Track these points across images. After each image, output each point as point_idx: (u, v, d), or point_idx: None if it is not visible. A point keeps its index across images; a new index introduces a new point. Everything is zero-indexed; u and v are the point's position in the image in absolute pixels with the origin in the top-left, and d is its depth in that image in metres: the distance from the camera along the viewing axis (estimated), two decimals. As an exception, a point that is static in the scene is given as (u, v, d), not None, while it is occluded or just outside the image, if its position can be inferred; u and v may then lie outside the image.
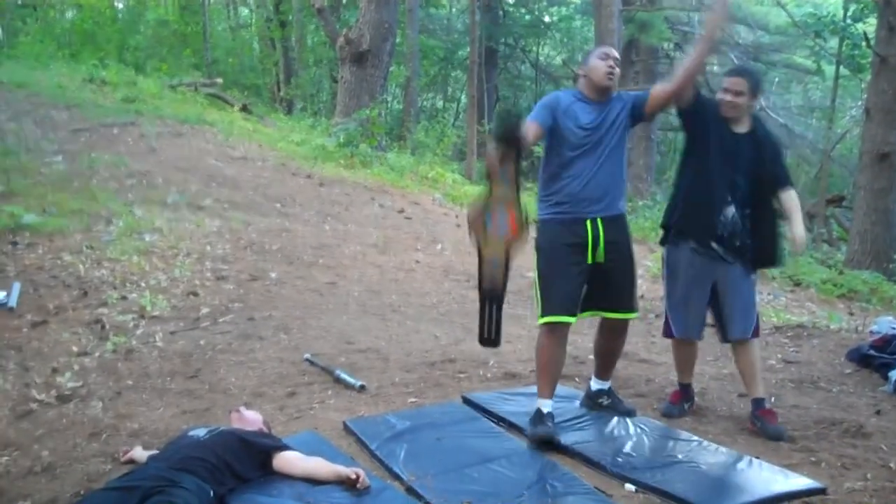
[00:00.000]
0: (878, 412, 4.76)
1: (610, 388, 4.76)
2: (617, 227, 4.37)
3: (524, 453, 4.03)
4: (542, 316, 4.35)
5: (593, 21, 18.99)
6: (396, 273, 8.05)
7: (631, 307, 4.51)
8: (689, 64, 4.41)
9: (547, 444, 4.13)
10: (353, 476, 3.47)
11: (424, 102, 29.74)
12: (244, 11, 31.42)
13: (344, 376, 4.93)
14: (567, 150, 4.28)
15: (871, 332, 6.30)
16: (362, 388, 4.84)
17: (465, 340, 6.03)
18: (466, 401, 4.70)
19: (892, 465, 3.96)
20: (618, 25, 17.15)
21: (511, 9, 27.02)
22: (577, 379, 5.24)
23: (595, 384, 4.76)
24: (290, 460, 3.57)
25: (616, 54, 4.41)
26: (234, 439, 3.57)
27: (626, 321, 4.57)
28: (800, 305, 9.08)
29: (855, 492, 3.66)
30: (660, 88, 4.48)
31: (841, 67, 21.27)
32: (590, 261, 4.30)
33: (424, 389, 4.91)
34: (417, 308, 6.91)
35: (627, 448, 4.10)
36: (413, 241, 9.45)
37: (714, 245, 4.49)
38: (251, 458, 3.54)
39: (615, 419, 4.50)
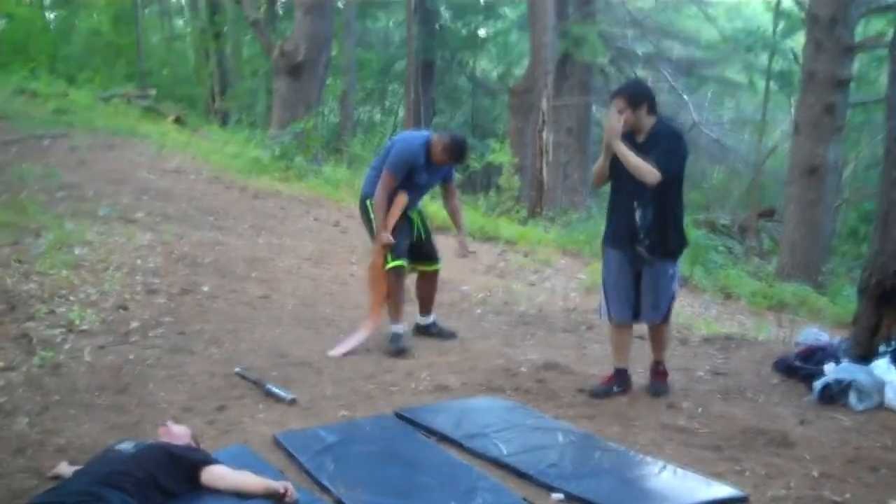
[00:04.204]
0: (802, 422, 4.87)
1: (434, 321, 6.62)
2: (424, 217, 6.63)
3: (455, 465, 4.07)
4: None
5: (528, 35, 19.16)
6: (331, 286, 8.03)
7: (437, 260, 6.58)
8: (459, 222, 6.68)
9: (404, 353, 5.98)
10: (282, 489, 3.47)
11: (361, 115, 29.73)
12: (179, 22, 31.15)
13: (275, 390, 4.92)
14: (413, 182, 6.23)
15: (798, 343, 6.44)
16: (293, 401, 4.83)
17: (402, 352, 6.04)
18: (398, 414, 4.72)
19: (814, 473, 4.06)
20: (552, 40, 17.32)
21: (448, 23, 27.13)
22: (507, 391, 5.27)
23: (424, 320, 6.60)
24: (218, 474, 3.56)
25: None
26: (162, 454, 3.54)
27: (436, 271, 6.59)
28: (730, 317, 9.23)
29: (778, 500, 3.76)
30: (449, 197, 6.63)
31: (771, 82, 21.71)
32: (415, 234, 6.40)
33: (356, 402, 4.92)
34: (351, 321, 6.89)
35: (555, 458, 4.16)
36: (348, 253, 9.43)
37: (635, 247, 5.13)
38: (179, 472, 3.52)
39: (543, 430, 4.55)
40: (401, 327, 6.21)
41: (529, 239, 11.78)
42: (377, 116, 32.11)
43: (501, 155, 15.77)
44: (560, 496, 3.73)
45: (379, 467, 3.96)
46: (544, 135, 16.05)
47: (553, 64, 17.48)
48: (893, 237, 5.89)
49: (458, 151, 6.27)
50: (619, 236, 5.24)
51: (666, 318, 5.35)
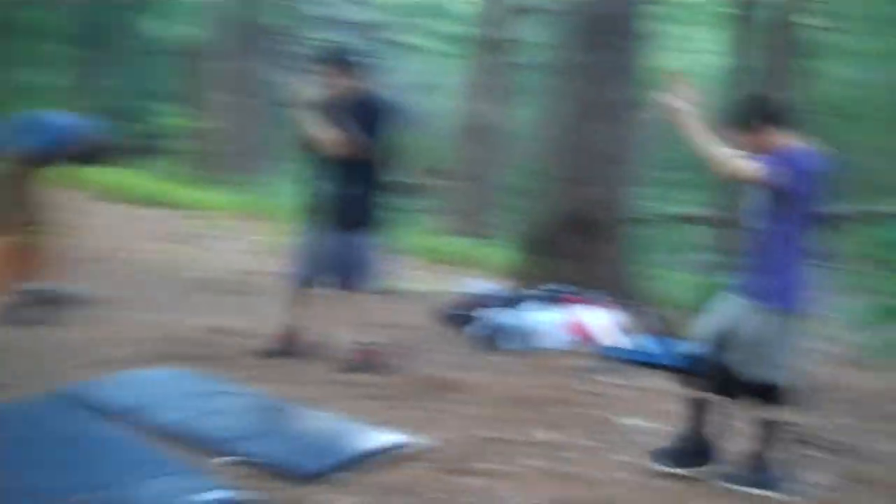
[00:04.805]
0: (462, 367, 5.20)
1: (60, 286, 6.02)
2: None
3: (118, 440, 3.92)
4: None
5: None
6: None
7: None
8: None
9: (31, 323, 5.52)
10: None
11: (20, 78, 27.78)
12: None
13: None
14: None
15: (461, 294, 6.80)
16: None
17: (56, 327, 5.71)
18: (58, 392, 4.48)
19: (471, 414, 4.33)
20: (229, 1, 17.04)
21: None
22: (176, 359, 5.15)
23: (50, 287, 5.93)
24: None
25: None
26: None
27: None
28: (400, 272, 9.53)
29: (437, 441, 3.97)
30: None
31: (445, 45, 22.50)
32: None
33: (10, 383, 4.60)
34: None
35: (226, 421, 4.15)
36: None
37: (318, 217, 5.17)
38: None
39: (213, 395, 4.52)
40: (22, 299, 5.82)
41: (203, 203, 11.56)
42: (38, 79, 30.10)
43: (175, 118, 15.35)
44: (228, 459, 3.71)
45: (34, 449, 3.74)
46: (218, 97, 15.78)
47: (230, 26, 17.14)
48: (548, 193, 6.36)
49: (94, 156, 6.15)
50: (308, 203, 5.27)
51: (356, 287, 5.28)
